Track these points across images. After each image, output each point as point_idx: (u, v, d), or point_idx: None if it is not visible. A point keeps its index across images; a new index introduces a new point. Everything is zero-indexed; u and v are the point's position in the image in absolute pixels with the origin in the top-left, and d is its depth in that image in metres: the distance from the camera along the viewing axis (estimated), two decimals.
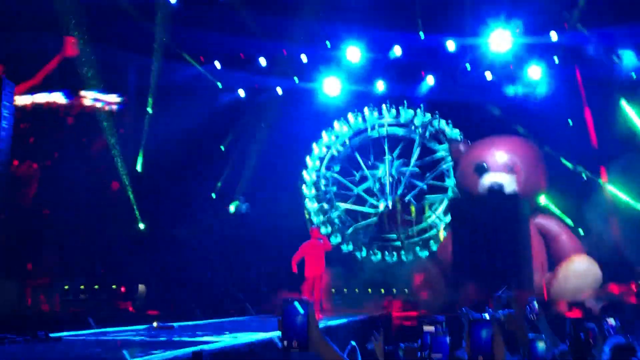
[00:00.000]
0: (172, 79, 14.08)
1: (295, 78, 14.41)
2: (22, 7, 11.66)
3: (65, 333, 6.51)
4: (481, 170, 12.20)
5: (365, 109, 14.15)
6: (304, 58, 14.09)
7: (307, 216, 14.01)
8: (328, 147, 14.27)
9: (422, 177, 14.21)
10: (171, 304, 12.06)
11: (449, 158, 13.61)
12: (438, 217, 13.96)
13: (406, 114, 14.09)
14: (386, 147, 14.23)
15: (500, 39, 12.83)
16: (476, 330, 2.12)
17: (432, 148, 14.21)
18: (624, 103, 12.92)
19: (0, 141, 10.51)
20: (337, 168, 14.38)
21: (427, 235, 13.96)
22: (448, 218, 13.56)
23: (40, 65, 12.76)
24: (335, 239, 13.87)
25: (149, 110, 14.31)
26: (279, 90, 14.64)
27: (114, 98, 13.40)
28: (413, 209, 13.83)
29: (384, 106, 14.14)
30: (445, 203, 14.00)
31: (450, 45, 13.39)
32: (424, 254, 13.66)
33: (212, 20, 12.99)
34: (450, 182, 13.95)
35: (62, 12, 11.92)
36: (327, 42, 13.80)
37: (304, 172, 14.15)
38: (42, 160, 12.77)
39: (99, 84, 13.05)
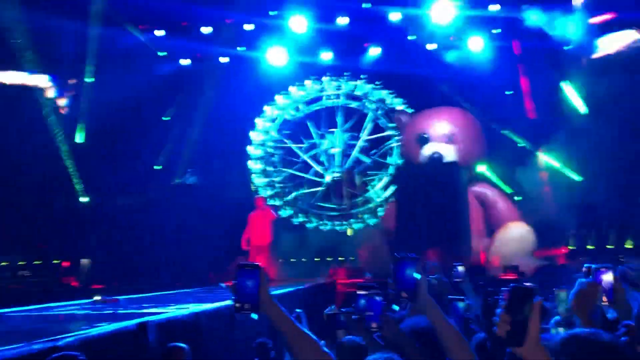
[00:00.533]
0: (111, 47, 13.64)
1: (240, 48, 14.23)
2: None
3: (5, 310, 6.40)
4: (423, 140, 12.55)
5: (308, 82, 14.16)
6: (248, 27, 13.92)
7: (252, 189, 14.03)
8: (272, 121, 14.21)
9: (368, 151, 14.41)
10: (116, 278, 11.95)
11: (396, 138, 13.88)
12: (376, 192, 14.26)
13: (347, 86, 14.21)
14: (339, 118, 14.36)
15: (442, 11, 13.03)
16: (401, 267, 2.25)
17: (382, 126, 14.39)
18: (563, 85, 13.44)
19: None
20: (286, 132, 14.39)
21: (367, 206, 14.26)
22: (387, 193, 13.96)
23: None
24: (273, 202, 13.97)
25: (88, 79, 13.88)
26: (223, 60, 14.44)
27: (45, 80, 12.98)
28: (358, 182, 14.11)
29: (324, 78, 14.19)
30: (385, 180, 14.30)
31: (394, 16, 13.51)
32: (372, 221, 14.01)
33: None
34: (392, 160, 14.26)
35: None
36: (272, 12, 13.66)
37: (249, 147, 14.11)
38: None
39: (32, 56, 12.55)
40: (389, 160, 14.44)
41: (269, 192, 14.12)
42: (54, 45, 13.48)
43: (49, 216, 13.46)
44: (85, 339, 3.93)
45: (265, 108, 14.17)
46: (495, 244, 12.08)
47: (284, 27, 13.56)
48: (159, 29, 13.99)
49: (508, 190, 13.39)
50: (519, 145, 13.89)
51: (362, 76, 14.17)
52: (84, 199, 14.12)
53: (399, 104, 14.06)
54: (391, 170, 14.27)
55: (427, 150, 12.43)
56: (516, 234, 12.05)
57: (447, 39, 13.79)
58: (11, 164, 12.60)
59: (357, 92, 14.24)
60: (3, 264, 12.72)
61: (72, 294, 10.23)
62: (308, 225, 14.13)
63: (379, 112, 14.30)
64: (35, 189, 13.35)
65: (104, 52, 13.56)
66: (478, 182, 12.93)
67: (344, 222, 14.14)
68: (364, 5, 13.30)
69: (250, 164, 14.15)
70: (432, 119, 12.77)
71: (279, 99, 14.17)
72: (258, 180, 14.14)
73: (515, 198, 13.20)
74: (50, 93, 13.70)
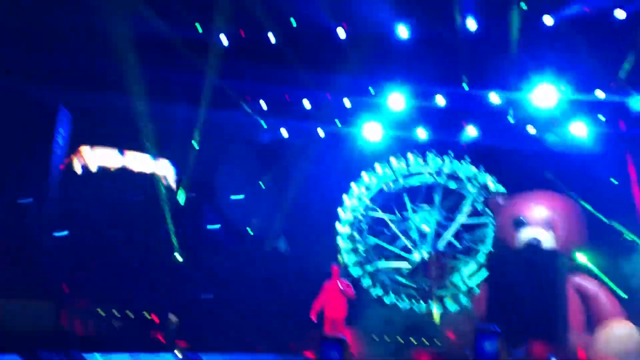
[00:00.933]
0: (217, 116, 14.59)
1: (337, 121, 14.68)
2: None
3: (98, 355, 6.67)
4: (519, 224, 12.07)
5: (410, 155, 14.14)
6: (347, 103, 14.40)
7: (337, 242, 13.92)
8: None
9: (460, 235, 13.97)
10: (202, 336, 12.14)
11: (492, 227, 13.42)
12: (462, 279, 13.68)
13: (451, 164, 14.01)
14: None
15: (545, 95, 12.84)
16: (481, 340, 2.14)
17: (479, 211, 13.99)
18: None
19: (54, 167, 11.07)
20: (368, 229, 14.24)
21: (450, 291, 13.67)
22: (472, 282, 13.39)
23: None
24: (355, 271, 13.75)
25: (195, 146, 14.80)
26: (321, 133, 14.91)
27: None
28: (447, 265, 13.65)
29: (428, 154, 14.11)
30: (473, 267, 13.73)
31: (494, 98, 13.47)
32: (454, 307, 13.38)
33: (261, 68, 13.53)
34: (484, 248, 13.71)
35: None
36: (371, 89, 14.08)
37: (340, 210, 14.16)
38: None
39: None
40: (480, 247, 13.92)
41: (352, 259, 13.98)
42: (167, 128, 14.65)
43: (147, 270, 14.13)
44: None
45: (363, 174, 14.22)
46: (597, 343, 11.09)
47: (381, 104, 13.90)
48: (263, 101, 14.82)
49: (611, 284, 12.44)
50: (624, 236, 12.99)
51: (466, 157, 13.96)
52: (178, 257, 14.72)
53: (498, 189, 13.65)
54: (481, 258, 13.65)
55: (524, 235, 11.92)
56: (622, 334, 11.02)
57: (549, 123, 13.49)
58: (115, 217, 13.48)
59: (460, 174, 13.99)
60: (100, 311, 13.36)
61: (159, 347, 10.52)
62: (385, 299, 13.74)
63: (479, 197, 13.89)
64: (135, 244, 14.15)
65: (211, 119, 14.48)
66: (578, 273, 12.12)
67: (423, 303, 13.61)
68: (464, 86, 13.40)
69: (338, 227, 14.15)
70: (531, 202, 12.28)
71: (379, 168, 14.23)
72: (343, 245, 14.06)
73: (620, 294, 12.20)
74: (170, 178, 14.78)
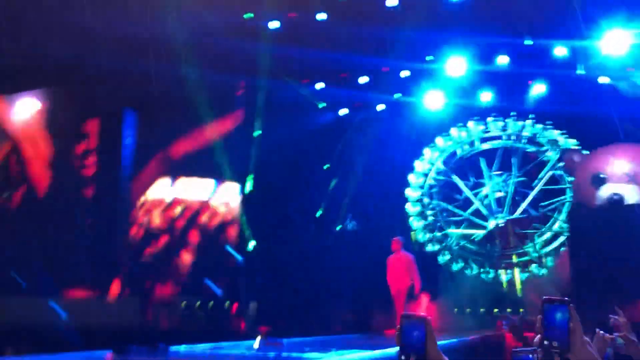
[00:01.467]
0: (275, 101, 14.59)
1: (397, 95, 14.34)
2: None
3: (183, 346, 6.86)
4: (599, 181, 11.45)
5: (490, 118, 13.65)
6: (404, 73, 14.03)
7: (412, 233, 13.75)
8: (425, 176, 13.83)
9: (537, 203, 13.37)
10: (281, 320, 12.33)
11: (554, 160, 12.83)
12: (534, 247, 13.11)
13: (514, 126, 13.44)
14: (483, 164, 13.62)
15: (616, 41, 12.01)
16: (550, 313, 1.96)
17: (532, 153, 13.39)
18: None
19: (124, 168, 11.41)
20: (439, 195, 13.87)
21: (521, 259, 13.14)
22: (547, 249, 12.91)
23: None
24: (444, 258, 13.50)
25: (256, 133, 14.91)
26: (380, 107, 14.63)
27: None
28: (521, 232, 13.15)
29: (489, 119, 13.59)
30: (548, 235, 13.14)
31: (560, 51, 12.73)
32: (541, 271, 12.90)
33: (313, 40, 13.34)
34: (560, 216, 13.08)
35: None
36: (429, 57, 13.64)
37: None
38: None
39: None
40: (556, 216, 13.30)
41: (420, 223, 13.72)
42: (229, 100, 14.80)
43: (222, 260, 14.47)
44: None
45: (437, 139, 13.85)
46: None
47: (440, 71, 13.45)
48: (319, 82, 14.69)
49: None
50: None
51: (530, 116, 13.35)
52: (251, 245, 14.98)
53: (573, 145, 12.98)
54: (557, 228, 13.08)
55: (604, 192, 11.30)
56: None
57: (621, 71, 12.63)
58: None
59: (525, 133, 13.37)
60: (183, 304, 13.84)
61: (240, 335, 10.77)
62: (454, 266, 13.42)
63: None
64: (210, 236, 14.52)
65: (269, 106, 14.51)
66: None
67: (492, 270, 13.19)
68: (525, 42, 12.73)
69: (408, 191, 13.90)
70: (609, 157, 11.62)
71: (454, 131, 13.82)
72: (411, 209, 13.81)
73: None
74: None
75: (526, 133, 13.35)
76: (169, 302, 13.88)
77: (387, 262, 10.76)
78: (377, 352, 6.09)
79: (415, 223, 13.77)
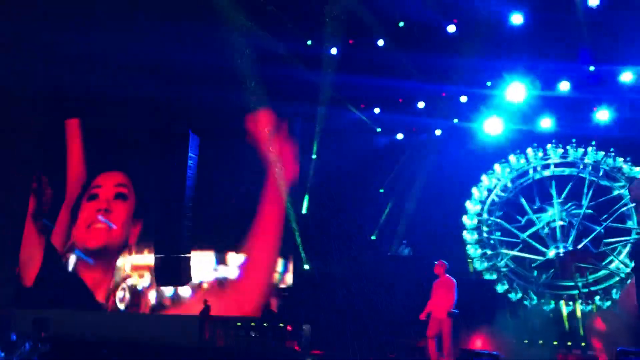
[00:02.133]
0: (334, 125, 14.81)
1: (455, 120, 14.26)
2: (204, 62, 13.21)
3: None
4: None
5: (529, 150, 13.40)
6: (463, 99, 13.97)
7: (469, 262, 13.51)
8: (489, 191, 13.67)
9: (597, 220, 12.97)
10: (335, 344, 12.33)
11: (628, 197, 12.36)
12: (622, 262, 12.58)
13: (575, 153, 13.08)
14: (553, 189, 13.25)
15: None
16: None
17: (606, 187, 12.98)
18: None
19: (188, 189, 11.85)
20: (499, 213, 13.66)
21: (606, 284, 12.65)
22: (632, 264, 12.29)
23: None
24: (502, 287, 13.18)
25: (314, 156, 15.15)
26: (438, 132, 14.58)
27: None
28: (591, 255, 12.66)
29: (548, 145, 13.27)
30: (628, 247, 12.62)
31: (626, 76, 12.38)
32: (606, 304, 12.39)
33: (372, 66, 13.53)
34: (632, 223, 12.59)
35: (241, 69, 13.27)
36: (488, 82, 13.54)
37: (464, 217, 13.70)
38: None
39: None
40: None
41: (478, 252, 13.47)
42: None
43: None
44: None
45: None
46: None
47: (500, 96, 13.30)
48: (377, 106, 14.84)
49: None
50: None
51: (592, 143, 12.96)
52: (307, 266, 15.11)
53: (637, 174, 12.49)
54: (613, 267, 12.52)
55: None
56: None
57: None
58: None
59: (588, 160, 12.97)
60: (238, 324, 14.05)
61: (294, 357, 10.84)
62: (525, 302, 13.00)
63: (599, 172, 12.81)
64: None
65: (327, 129, 14.74)
66: None
67: (570, 303, 12.69)
68: (590, 69, 12.47)
69: (465, 234, 13.70)
70: None
71: (497, 168, 13.63)
72: (468, 237, 13.57)
73: None
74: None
75: (589, 160, 12.92)
76: (225, 321, 14.13)
77: (433, 286, 10.75)
78: None
79: (472, 251, 13.53)
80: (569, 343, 12.27)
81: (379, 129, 15.19)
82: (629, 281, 12.21)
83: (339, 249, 14.58)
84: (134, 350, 11.61)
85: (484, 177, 13.70)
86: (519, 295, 13.03)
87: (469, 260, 13.55)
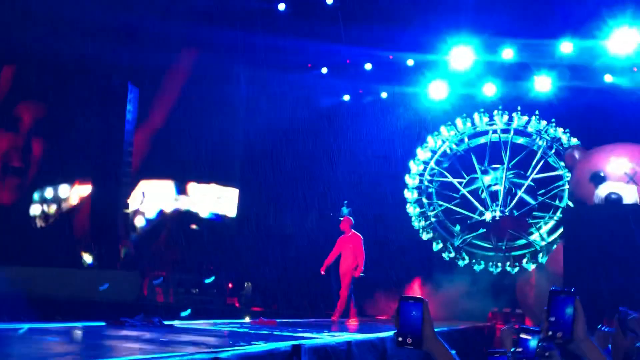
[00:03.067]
0: (279, 85, 14.65)
1: (399, 85, 14.36)
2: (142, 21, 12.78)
3: (177, 321, 6.96)
4: (598, 179, 11.48)
5: (475, 114, 13.63)
6: (409, 62, 14.04)
7: (408, 211, 13.77)
8: (433, 152, 13.88)
9: (535, 192, 13.39)
10: (275, 302, 12.46)
11: (567, 181, 12.82)
12: (541, 236, 13.18)
13: (519, 120, 13.41)
14: (504, 154, 13.49)
15: (623, 40, 12.00)
16: (557, 304, 2.01)
17: (552, 164, 13.38)
18: None
19: (127, 143, 11.53)
20: (445, 164, 13.94)
21: (528, 250, 13.24)
22: (552, 238, 12.94)
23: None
24: (437, 246, 13.59)
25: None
26: (384, 95, 14.64)
27: None
28: (521, 224, 13.17)
29: (495, 111, 13.53)
30: (551, 223, 13.20)
31: (566, 47, 12.72)
32: (529, 266, 13.00)
33: (320, 30, 13.39)
34: (562, 203, 13.13)
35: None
36: (434, 47, 13.63)
37: (407, 177, 13.94)
38: None
39: None
40: (558, 203, 13.33)
41: (423, 224, 13.81)
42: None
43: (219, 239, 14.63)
44: (243, 355, 4.12)
45: (429, 138, 13.89)
46: None
47: (445, 62, 13.43)
48: (324, 67, 14.73)
49: None
50: None
51: (536, 112, 13.29)
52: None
53: (577, 143, 12.95)
54: (560, 214, 13.04)
55: (602, 191, 11.34)
56: None
57: (627, 71, 12.62)
58: None
59: (530, 129, 13.37)
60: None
61: (234, 313, 10.88)
62: (459, 262, 13.49)
63: (552, 150, 13.28)
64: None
65: (273, 90, 14.57)
66: None
67: (499, 264, 13.25)
68: (530, 40, 12.73)
69: (406, 193, 13.95)
70: (609, 155, 11.62)
71: (444, 130, 13.84)
72: (412, 210, 13.89)
73: None
74: None
75: (514, 125, 13.28)
76: (164, 278, 14.00)
77: (337, 243, 9.99)
78: (372, 335, 6.18)
79: (412, 210, 13.83)
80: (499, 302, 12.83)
81: (325, 90, 15.09)
82: (544, 252, 12.83)
83: (283, 209, 14.60)
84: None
85: (429, 139, 13.89)
86: (466, 261, 13.42)
87: (408, 207, 13.77)
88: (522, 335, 2.50)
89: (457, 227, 13.73)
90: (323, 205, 14.66)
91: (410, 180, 13.92)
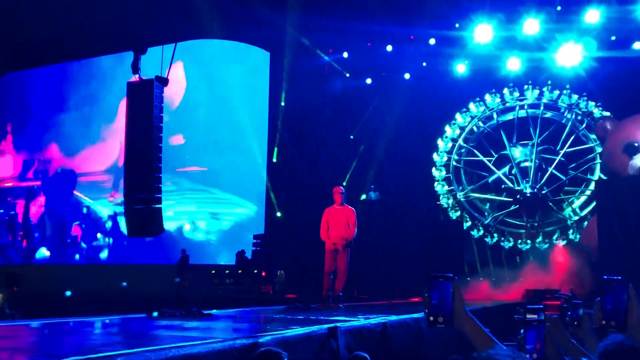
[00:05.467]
0: (302, 71, 14.62)
1: (424, 63, 14.20)
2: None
3: (215, 310, 7.09)
4: (631, 150, 11.26)
5: (505, 90, 13.41)
6: (432, 41, 13.88)
7: (436, 188, 13.69)
8: (462, 129, 13.72)
9: (566, 167, 13.15)
10: (309, 288, 12.55)
11: (598, 155, 12.54)
12: (573, 211, 12.95)
13: (550, 95, 13.15)
14: (533, 130, 13.19)
15: None
16: (610, 293, 1.99)
17: (582, 138, 13.09)
18: None
19: (155, 138, 11.73)
20: (473, 143, 13.75)
21: (558, 226, 13.03)
22: (584, 212, 12.71)
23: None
24: (466, 224, 13.50)
25: (282, 103, 15.01)
26: (407, 76, 14.52)
27: None
28: (551, 199, 12.99)
29: (525, 86, 13.30)
30: (583, 198, 12.97)
31: (593, 16, 12.38)
32: (560, 242, 12.82)
33: (341, 10, 13.28)
34: (594, 177, 12.87)
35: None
36: (457, 24, 13.44)
37: (435, 155, 13.84)
38: None
39: None
40: (589, 176, 13.07)
41: (451, 201, 13.72)
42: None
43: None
44: (282, 339, 4.20)
45: (457, 116, 13.76)
46: None
47: (467, 38, 13.24)
48: (345, 52, 14.67)
49: None
50: None
51: (567, 86, 13.02)
52: (278, 214, 15.19)
53: (608, 115, 12.64)
54: (592, 187, 12.76)
55: (638, 161, 11.12)
56: None
57: None
58: None
59: (561, 103, 13.06)
60: (212, 272, 14.21)
61: (269, 301, 11.04)
62: (487, 240, 13.36)
63: (582, 124, 12.95)
64: None
65: (296, 76, 14.56)
66: None
67: (529, 241, 13.07)
68: (558, 8, 12.43)
69: (434, 171, 13.87)
70: None
71: (472, 106, 13.67)
72: (440, 188, 13.80)
73: None
74: None
75: (545, 100, 13.00)
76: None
77: (324, 214, 9.00)
78: (407, 316, 6.20)
79: (439, 187, 13.75)
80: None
81: (347, 74, 15.06)
82: (575, 227, 12.60)
83: (310, 195, 14.63)
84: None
85: (457, 116, 13.74)
86: (480, 232, 13.31)
87: (435, 185, 13.69)
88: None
89: (487, 205, 13.62)
90: (351, 190, 14.65)
91: (438, 158, 13.82)
